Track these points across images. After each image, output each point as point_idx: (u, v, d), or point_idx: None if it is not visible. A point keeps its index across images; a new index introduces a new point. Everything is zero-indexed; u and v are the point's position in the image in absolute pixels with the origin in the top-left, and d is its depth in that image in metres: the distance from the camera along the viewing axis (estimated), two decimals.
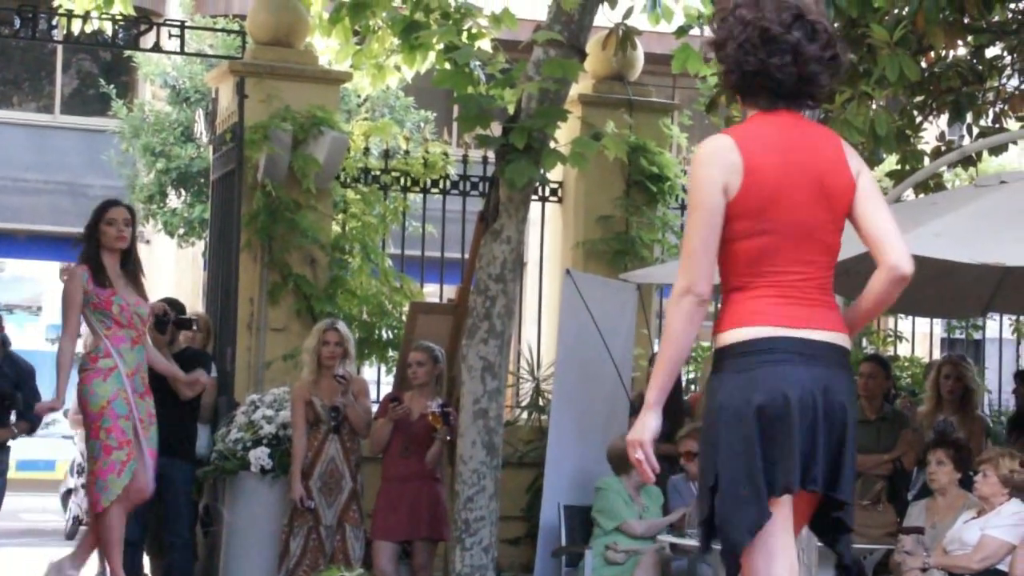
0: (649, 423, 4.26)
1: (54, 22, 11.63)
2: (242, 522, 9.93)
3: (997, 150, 10.32)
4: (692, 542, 8.98)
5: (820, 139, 4.35)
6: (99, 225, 8.49)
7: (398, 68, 10.70)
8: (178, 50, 11.85)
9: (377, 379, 11.75)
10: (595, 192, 11.89)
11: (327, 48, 11.11)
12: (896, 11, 8.56)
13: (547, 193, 12.04)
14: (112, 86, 18.15)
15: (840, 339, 4.27)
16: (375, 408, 9.89)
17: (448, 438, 9.46)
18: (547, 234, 12.17)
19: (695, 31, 9.90)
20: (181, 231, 16.98)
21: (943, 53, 9.90)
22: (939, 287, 10.12)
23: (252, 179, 10.86)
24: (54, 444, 19.91)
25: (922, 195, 10.50)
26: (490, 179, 9.77)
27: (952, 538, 8.61)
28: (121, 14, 11.32)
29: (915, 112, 10.39)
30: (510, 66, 9.08)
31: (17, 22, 11.22)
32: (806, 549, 7.32)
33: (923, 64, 9.60)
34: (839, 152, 4.34)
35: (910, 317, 13.70)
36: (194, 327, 10.16)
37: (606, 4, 9.45)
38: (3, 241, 21.49)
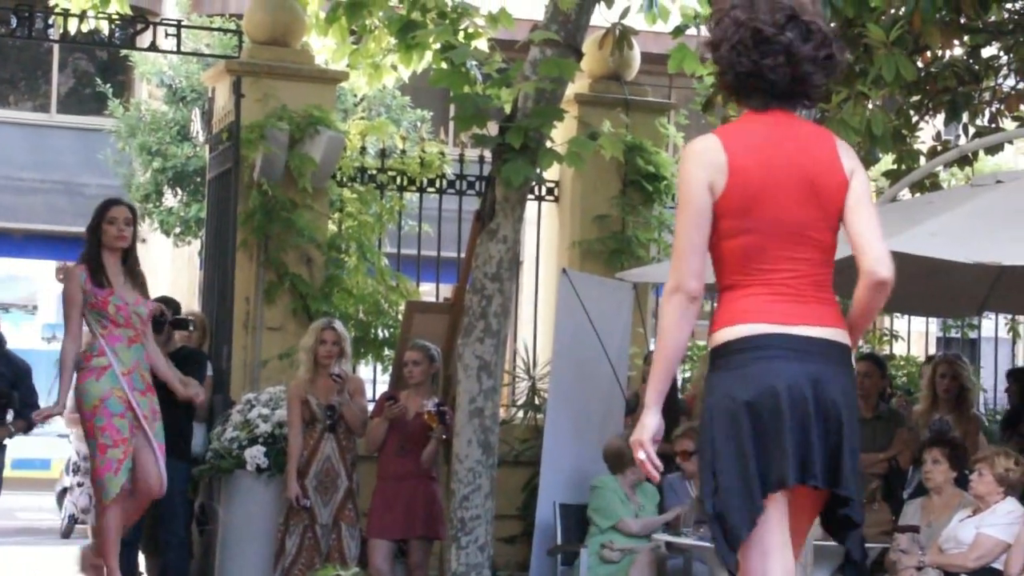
0: (649, 423, 4.28)
1: (50, 21, 11.64)
2: (238, 521, 9.92)
3: (993, 149, 10.34)
4: (688, 540, 8.99)
5: (812, 138, 4.36)
6: (100, 224, 8.49)
7: (394, 67, 10.71)
8: (174, 49, 11.87)
9: (373, 378, 11.76)
10: (591, 191, 11.88)
11: (323, 47, 11.09)
12: (892, 11, 8.58)
13: (543, 192, 12.02)
14: (108, 85, 18.14)
15: (837, 335, 4.26)
16: (371, 407, 9.89)
17: (444, 437, 9.45)
18: (543, 233, 12.14)
19: (691, 31, 9.91)
20: (177, 230, 17.00)
21: (939, 53, 9.92)
22: (935, 286, 10.12)
23: (248, 178, 10.85)
24: (50, 443, 19.87)
25: (918, 194, 10.50)
26: (486, 178, 9.77)
27: (947, 537, 8.62)
28: (117, 13, 11.30)
29: (911, 112, 10.42)
30: (507, 66, 9.08)
31: (13, 21, 11.19)
32: (803, 547, 7.31)
33: (919, 64, 9.63)
34: (831, 151, 4.33)
35: (906, 316, 13.70)
36: (191, 328, 10.16)
37: (603, 4, 9.46)
38: None
